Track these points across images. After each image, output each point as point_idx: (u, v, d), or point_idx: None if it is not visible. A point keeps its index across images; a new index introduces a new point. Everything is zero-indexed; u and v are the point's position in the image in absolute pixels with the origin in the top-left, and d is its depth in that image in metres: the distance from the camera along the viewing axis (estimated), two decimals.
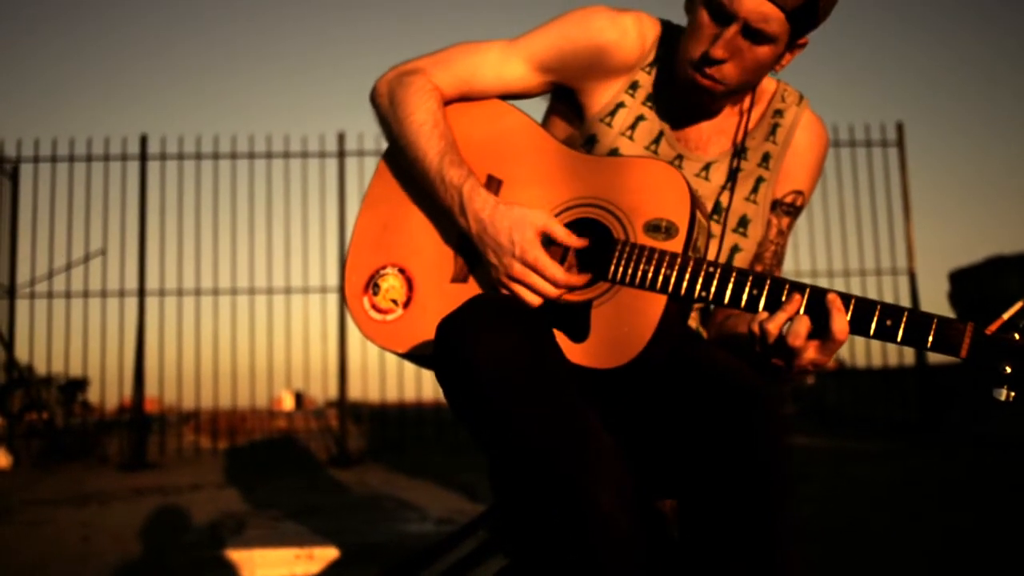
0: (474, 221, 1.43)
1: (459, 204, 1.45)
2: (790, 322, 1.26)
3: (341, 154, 7.56)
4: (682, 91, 1.50)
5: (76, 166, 7.50)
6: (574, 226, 1.43)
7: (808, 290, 1.27)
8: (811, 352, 1.26)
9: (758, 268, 1.57)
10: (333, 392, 7.45)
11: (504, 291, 1.41)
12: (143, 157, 7.51)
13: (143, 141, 7.54)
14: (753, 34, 1.38)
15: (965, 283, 7.58)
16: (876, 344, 7.80)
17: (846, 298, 1.25)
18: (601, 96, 1.54)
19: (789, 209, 1.59)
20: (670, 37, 1.55)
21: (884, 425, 7.55)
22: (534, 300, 1.39)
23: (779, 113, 1.57)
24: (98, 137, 7.72)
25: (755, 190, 1.54)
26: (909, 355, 7.66)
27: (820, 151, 1.60)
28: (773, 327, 1.26)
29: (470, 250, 1.49)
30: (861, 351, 13.27)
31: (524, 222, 1.39)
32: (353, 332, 7.27)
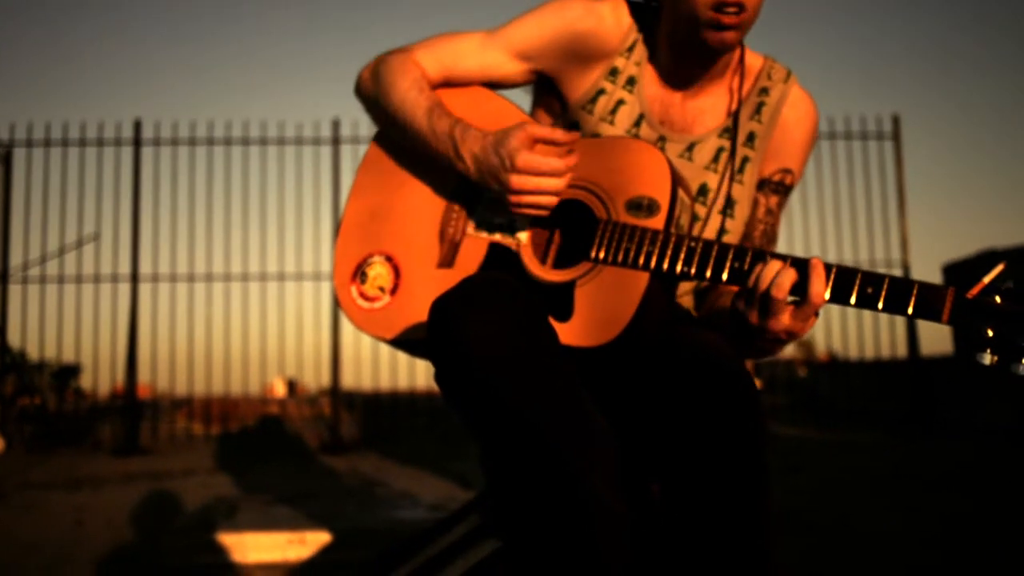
0: (470, 158, 1.44)
1: (454, 148, 1.46)
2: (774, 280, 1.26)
3: (336, 141, 7.54)
4: (690, 56, 1.49)
5: (70, 151, 7.47)
6: (557, 207, 1.43)
7: (790, 258, 1.27)
8: (787, 318, 1.26)
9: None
10: (326, 379, 7.46)
11: (519, 211, 1.41)
12: (137, 142, 7.48)
13: (137, 126, 7.51)
14: None
15: (958, 276, 7.60)
16: (869, 336, 7.85)
17: (827, 265, 1.25)
18: (581, 84, 1.55)
19: (778, 187, 1.58)
20: (641, 17, 1.56)
21: (876, 417, 7.57)
22: (550, 201, 1.40)
23: (765, 91, 1.57)
24: (92, 122, 7.66)
25: (741, 170, 1.54)
26: (901, 347, 7.69)
27: (809, 127, 1.59)
28: (762, 281, 1.26)
29: (466, 199, 1.50)
30: (854, 343, 13.27)
31: (505, 136, 1.40)
32: (346, 319, 7.26)
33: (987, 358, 1.18)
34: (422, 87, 1.53)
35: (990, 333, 1.17)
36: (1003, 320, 1.17)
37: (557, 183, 1.39)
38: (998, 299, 1.18)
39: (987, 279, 1.19)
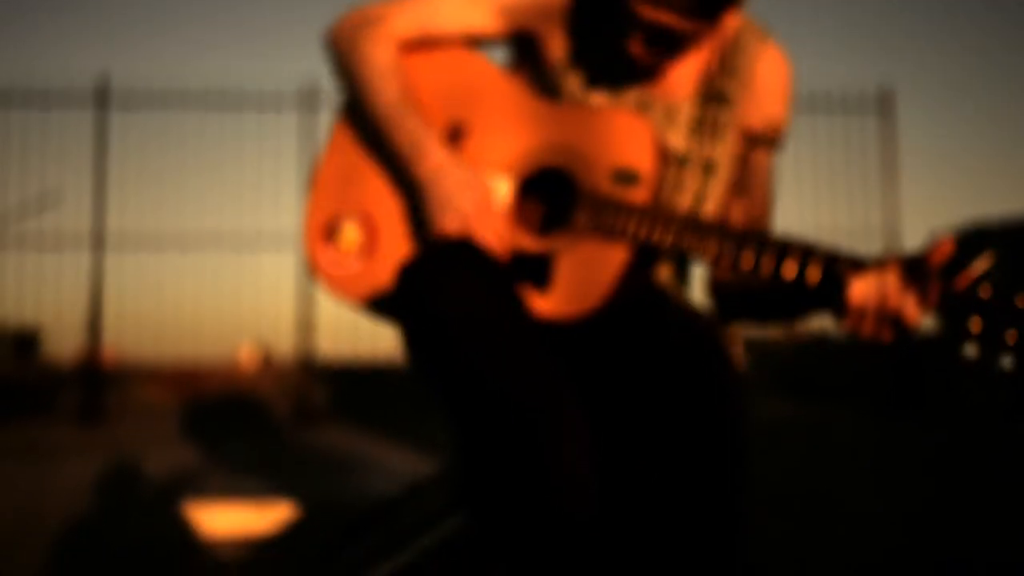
0: (424, 172, 1.42)
1: (410, 154, 1.44)
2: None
3: (309, 104, 7.42)
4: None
5: (31, 108, 7.28)
6: (538, 176, 1.43)
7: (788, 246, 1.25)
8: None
9: (745, 214, 1.55)
10: (298, 348, 7.37)
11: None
12: (104, 105, 7.31)
13: (104, 86, 7.32)
14: None
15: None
16: None
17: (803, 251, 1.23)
18: (562, 44, 1.51)
19: (762, 141, 1.55)
20: None
21: (857, 394, 7.62)
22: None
23: (738, 50, 1.53)
24: (56, 78, 7.44)
25: (719, 134, 1.51)
26: None
27: (785, 80, 1.56)
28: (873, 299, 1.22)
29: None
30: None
31: (472, 186, 1.38)
32: (316, 283, 7.20)
33: (972, 351, 1.17)
34: (394, 69, 1.49)
35: (976, 325, 1.16)
36: (989, 314, 1.16)
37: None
38: (985, 292, 1.16)
39: (975, 271, 1.18)
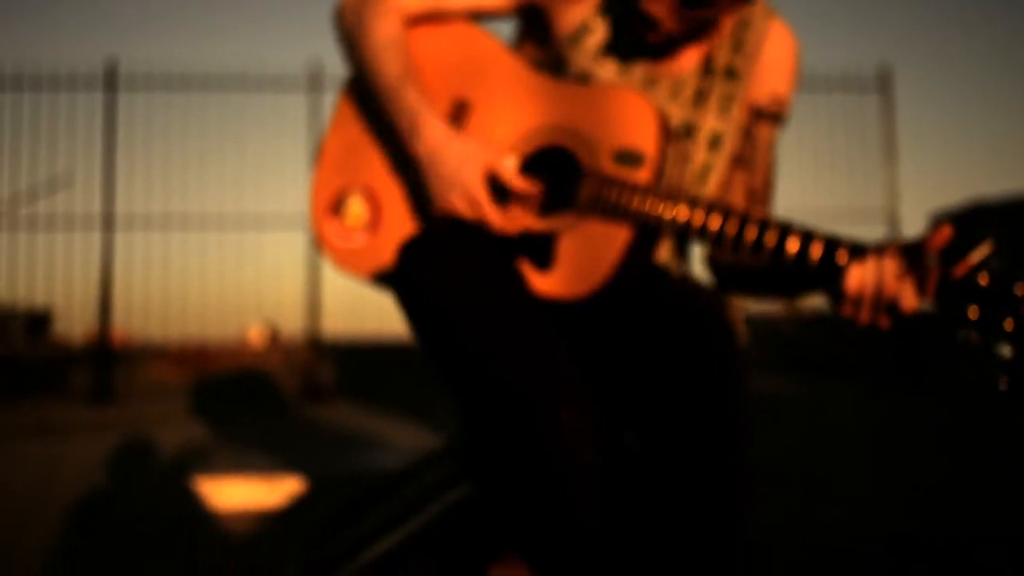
0: (423, 148, 1.41)
1: (410, 130, 1.43)
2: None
3: (316, 86, 7.41)
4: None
5: (42, 91, 7.29)
6: (541, 153, 1.41)
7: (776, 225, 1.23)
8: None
9: (746, 189, 1.54)
10: (306, 327, 7.41)
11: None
12: (113, 88, 7.31)
13: (113, 69, 7.33)
14: None
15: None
16: None
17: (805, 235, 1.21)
18: (569, 17, 1.50)
19: (767, 116, 1.55)
20: None
21: (858, 372, 7.61)
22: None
23: (745, 26, 1.53)
24: (64, 62, 7.45)
25: (725, 108, 1.51)
26: None
27: (792, 57, 1.56)
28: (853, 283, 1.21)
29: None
30: None
31: (473, 158, 1.37)
32: (326, 265, 7.22)
33: (969, 337, 1.15)
34: (399, 45, 1.49)
35: (974, 313, 1.14)
36: (987, 302, 1.13)
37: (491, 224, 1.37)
38: (984, 279, 1.14)
39: (974, 257, 1.15)
